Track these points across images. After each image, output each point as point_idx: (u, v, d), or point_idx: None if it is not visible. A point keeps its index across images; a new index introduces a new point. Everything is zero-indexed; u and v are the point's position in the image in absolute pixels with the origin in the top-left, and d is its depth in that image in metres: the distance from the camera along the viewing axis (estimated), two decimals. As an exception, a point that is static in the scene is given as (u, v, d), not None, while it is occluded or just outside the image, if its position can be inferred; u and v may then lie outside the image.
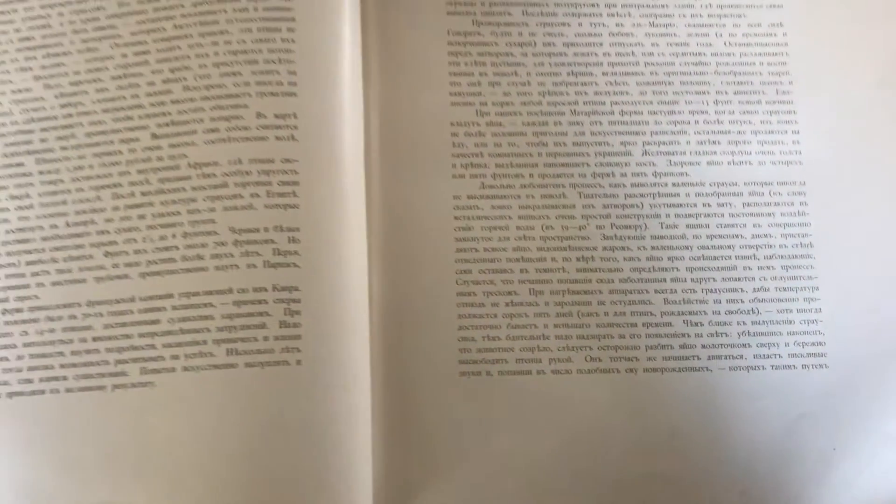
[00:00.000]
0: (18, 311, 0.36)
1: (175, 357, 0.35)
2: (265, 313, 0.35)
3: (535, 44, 0.40)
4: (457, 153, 0.39)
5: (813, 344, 0.38)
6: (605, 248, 0.38)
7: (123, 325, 0.35)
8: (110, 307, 0.35)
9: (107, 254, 0.36)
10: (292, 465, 0.34)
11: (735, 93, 0.40)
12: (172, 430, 0.34)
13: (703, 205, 0.39)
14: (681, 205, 0.39)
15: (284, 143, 0.36)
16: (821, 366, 0.37)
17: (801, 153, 0.39)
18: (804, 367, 0.37)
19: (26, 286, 0.36)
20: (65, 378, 0.35)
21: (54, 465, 0.35)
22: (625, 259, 0.38)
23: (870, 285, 0.38)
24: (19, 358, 0.36)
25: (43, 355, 0.35)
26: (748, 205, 0.39)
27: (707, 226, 0.39)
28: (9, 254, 0.37)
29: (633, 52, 0.40)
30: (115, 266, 0.36)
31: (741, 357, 0.37)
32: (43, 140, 0.37)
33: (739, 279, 0.38)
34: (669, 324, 0.37)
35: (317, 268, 0.35)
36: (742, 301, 0.38)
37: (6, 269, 0.36)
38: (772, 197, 0.39)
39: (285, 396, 0.34)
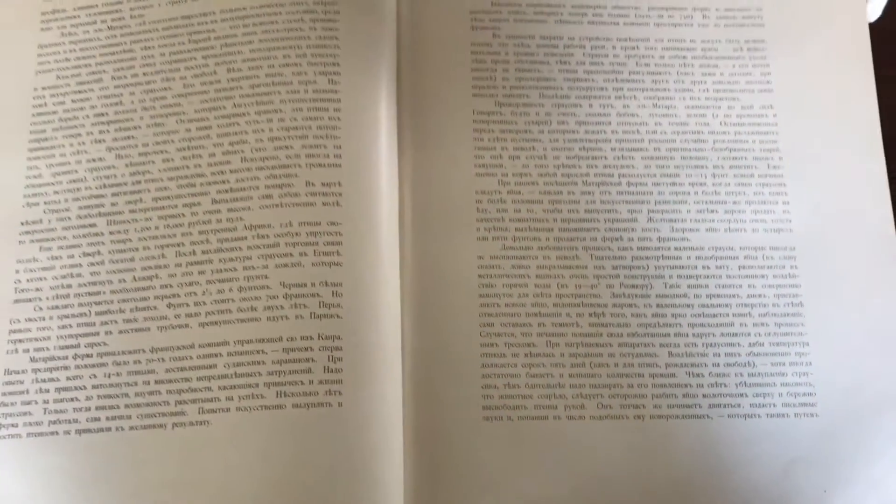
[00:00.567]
0: (88, 356, 0.41)
1: (230, 398, 0.39)
2: (311, 360, 0.39)
3: (551, 122, 0.45)
4: (481, 218, 0.43)
5: (804, 394, 0.42)
6: (614, 305, 0.42)
7: (183, 369, 0.40)
8: (172, 353, 0.40)
9: (169, 305, 0.41)
10: (332, 497, 0.38)
11: (730, 167, 0.45)
12: (226, 464, 0.39)
13: (703, 267, 0.43)
14: (682, 267, 0.43)
15: (330, 209, 0.41)
16: (811, 414, 0.41)
17: (790, 221, 0.44)
18: (796, 415, 0.41)
19: (96, 334, 0.41)
20: (129, 417, 0.40)
21: (118, 497, 0.39)
22: (632, 315, 0.42)
23: (856, 341, 0.42)
24: (88, 398, 0.40)
25: (109, 396, 0.40)
26: (743, 268, 0.43)
27: (706, 286, 0.43)
28: (81, 304, 0.41)
29: (638, 130, 0.45)
30: (177, 316, 0.41)
31: (739, 406, 0.41)
32: (114, 204, 0.43)
33: (736, 335, 0.42)
34: (673, 375, 0.42)
35: (357, 319, 0.40)
36: (739, 355, 0.42)
37: (78, 319, 0.41)
38: (765, 261, 0.43)
39: (328, 435, 0.39)
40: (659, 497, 0.40)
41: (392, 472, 0.39)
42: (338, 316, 0.40)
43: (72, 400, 0.40)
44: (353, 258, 0.41)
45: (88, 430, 0.40)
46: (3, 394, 0.40)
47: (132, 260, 0.42)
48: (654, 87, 0.46)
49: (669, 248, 0.43)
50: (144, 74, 0.45)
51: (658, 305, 0.42)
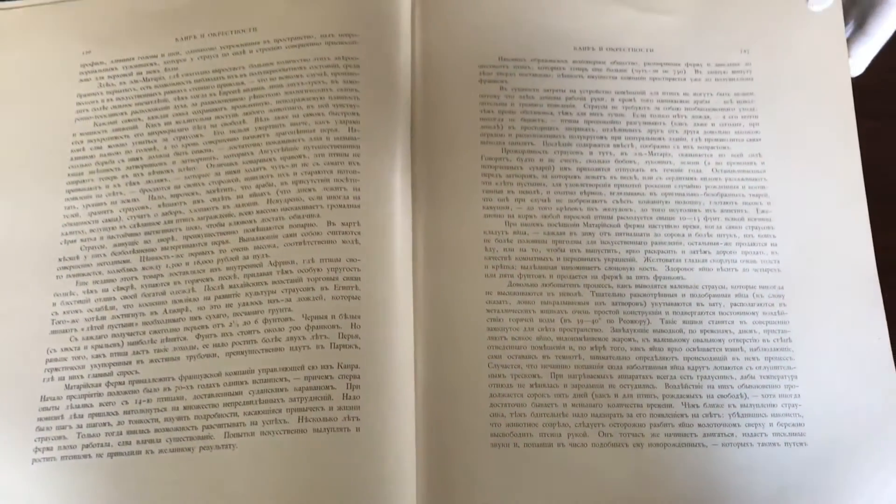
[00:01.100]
0: (121, 383, 0.44)
1: (254, 423, 0.43)
2: (331, 387, 0.43)
3: (554, 168, 0.49)
4: (489, 256, 0.47)
5: (793, 425, 0.45)
6: (614, 339, 0.46)
7: (211, 395, 0.43)
8: (200, 381, 0.44)
9: (198, 336, 0.45)
10: (350, 517, 0.41)
11: (722, 211, 0.48)
12: (251, 485, 0.42)
13: (697, 304, 0.47)
14: (678, 304, 0.47)
15: (349, 246, 0.45)
16: (800, 444, 0.44)
17: (778, 262, 0.48)
18: (786, 444, 0.44)
19: (128, 363, 0.44)
20: (158, 441, 0.43)
21: (147, 516, 0.42)
22: (631, 349, 0.46)
23: (841, 375, 0.46)
24: (120, 423, 0.43)
25: (140, 421, 0.43)
26: (735, 305, 0.47)
27: (700, 322, 0.46)
28: (114, 335, 0.45)
29: (635, 176, 0.49)
30: (206, 346, 0.44)
31: (732, 435, 0.44)
32: (147, 241, 0.47)
33: (729, 368, 0.46)
34: (670, 405, 0.45)
35: (373, 350, 0.44)
36: (732, 387, 0.45)
37: (111, 349, 0.45)
38: (755, 299, 0.47)
39: (346, 458, 0.42)
40: (657, 522, 0.43)
41: (406, 494, 0.42)
42: (356, 346, 0.44)
43: (104, 425, 0.43)
44: (371, 293, 0.45)
45: (120, 454, 0.43)
46: (40, 419, 0.44)
47: (163, 294, 0.45)
48: (650, 136, 0.50)
49: (665, 286, 0.47)
50: (177, 122, 0.49)
51: (655, 340, 0.46)
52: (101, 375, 0.44)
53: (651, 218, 0.48)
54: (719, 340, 0.46)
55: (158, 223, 0.47)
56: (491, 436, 0.44)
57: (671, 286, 0.47)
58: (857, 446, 0.45)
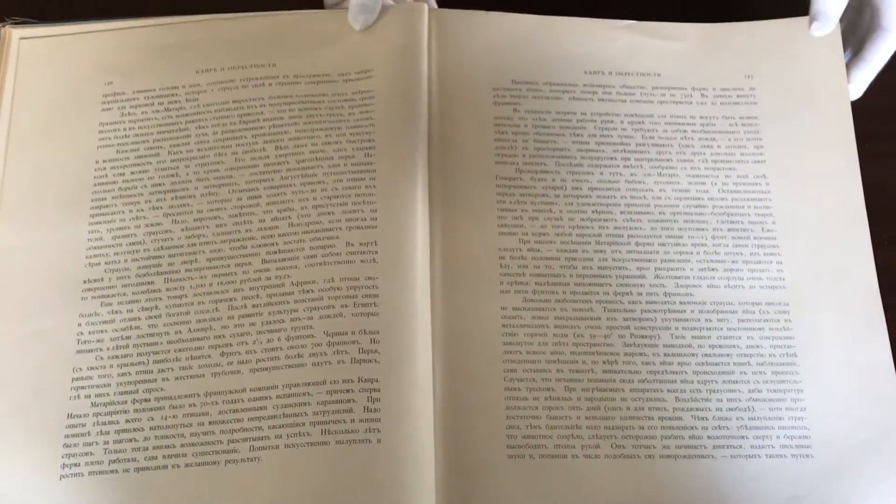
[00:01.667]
0: (146, 400, 0.47)
1: (278, 436, 0.45)
2: (352, 400, 0.46)
3: (566, 188, 0.52)
4: (503, 273, 0.50)
5: (800, 437, 0.47)
6: (626, 354, 0.48)
7: (235, 411, 0.46)
8: (224, 397, 0.46)
9: (223, 353, 0.47)
10: (372, 527, 0.44)
11: (728, 230, 0.51)
12: (275, 497, 0.44)
13: (706, 320, 0.49)
14: (687, 319, 0.49)
15: (367, 265, 0.48)
16: (807, 455, 0.47)
17: (783, 279, 0.50)
18: (793, 456, 0.47)
19: (153, 380, 0.47)
20: (184, 455, 0.45)
21: (175, 529, 0.45)
22: (642, 363, 0.48)
23: (846, 389, 0.48)
24: (146, 439, 0.46)
25: (166, 437, 0.46)
26: (742, 321, 0.49)
27: (709, 337, 0.49)
28: (139, 354, 0.48)
29: (644, 196, 0.52)
30: (230, 363, 0.47)
31: (740, 447, 0.47)
32: (170, 264, 0.49)
33: (737, 382, 0.48)
34: (680, 418, 0.47)
35: (393, 364, 0.46)
36: (739, 400, 0.48)
37: (137, 367, 0.47)
38: (761, 315, 0.50)
39: (368, 469, 0.44)
40: (669, 533, 0.46)
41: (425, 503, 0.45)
42: (376, 361, 0.46)
43: (130, 441, 0.46)
44: (389, 309, 0.47)
45: (146, 468, 0.45)
46: (67, 436, 0.46)
47: (188, 314, 0.48)
48: (659, 157, 0.53)
49: (675, 303, 0.50)
50: (199, 150, 0.52)
51: (665, 354, 0.49)
52: (126, 393, 0.47)
53: (660, 236, 0.51)
54: (727, 355, 0.49)
55: (182, 246, 0.50)
56: (507, 447, 0.46)
57: (680, 302, 0.50)
58: (861, 458, 0.47)
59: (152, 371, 0.47)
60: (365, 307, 0.47)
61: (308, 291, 0.48)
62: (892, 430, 0.48)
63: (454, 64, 0.54)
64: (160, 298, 0.49)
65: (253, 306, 0.48)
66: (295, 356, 0.47)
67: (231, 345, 0.47)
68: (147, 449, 0.46)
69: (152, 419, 0.46)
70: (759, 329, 0.49)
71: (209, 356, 0.47)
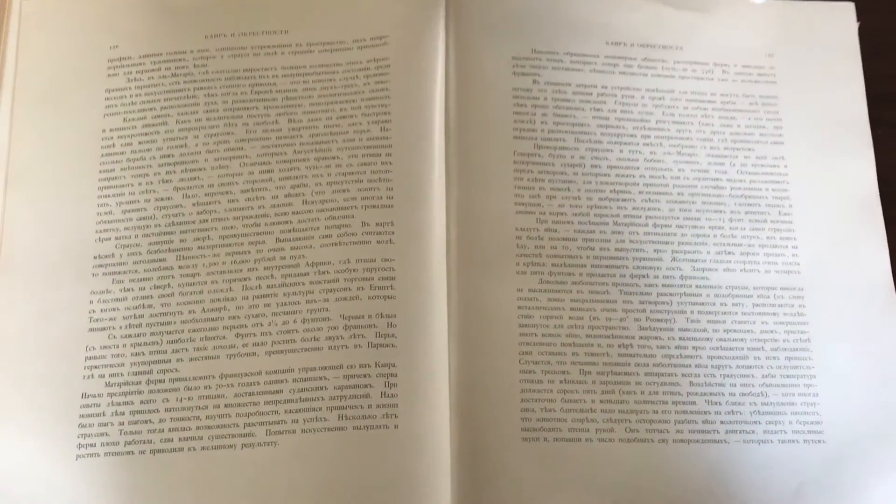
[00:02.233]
0: (161, 381, 0.47)
1: (295, 421, 0.46)
2: (369, 385, 0.47)
3: (585, 165, 0.52)
4: (520, 253, 0.50)
5: (812, 423, 0.49)
6: (641, 337, 0.49)
7: (252, 394, 0.47)
8: (240, 379, 0.47)
9: (238, 335, 0.48)
10: (388, 511, 0.45)
11: (745, 213, 0.52)
12: (291, 482, 0.45)
13: (721, 304, 0.50)
14: (703, 303, 0.50)
15: (384, 246, 0.49)
16: (819, 441, 0.49)
17: (799, 264, 0.51)
18: (805, 441, 0.48)
19: (168, 361, 0.48)
20: (200, 438, 0.46)
21: (191, 511, 0.46)
22: (657, 347, 0.49)
23: (859, 375, 0.50)
24: (161, 421, 0.47)
25: (182, 419, 0.47)
26: (757, 305, 0.50)
27: (724, 322, 0.50)
28: (152, 333, 0.48)
29: (663, 176, 0.52)
30: (245, 345, 0.48)
31: (753, 432, 0.48)
32: (182, 240, 0.50)
33: (750, 367, 0.49)
34: (694, 402, 0.49)
35: (410, 348, 0.47)
36: (753, 385, 0.49)
37: (150, 347, 0.48)
38: (776, 300, 0.51)
39: (385, 454, 0.46)
40: (681, 516, 0.47)
41: (441, 486, 0.46)
42: (393, 345, 0.47)
43: (146, 422, 0.47)
44: (406, 292, 0.48)
45: (162, 451, 0.46)
46: (82, 416, 0.47)
47: (201, 293, 0.49)
48: (678, 135, 0.53)
49: (691, 286, 0.51)
50: (208, 119, 0.52)
51: (680, 338, 0.50)
52: (141, 373, 0.47)
53: (678, 218, 0.52)
54: (741, 340, 0.50)
55: (193, 222, 0.50)
56: (522, 430, 0.47)
57: (696, 286, 0.51)
58: (873, 444, 0.49)
59: (166, 351, 0.48)
60: (382, 290, 0.48)
61: (324, 273, 0.48)
62: (903, 415, 0.49)
63: (473, 30, 0.54)
64: (172, 276, 0.49)
65: (268, 287, 0.48)
66: (311, 339, 0.47)
67: (246, 326, 0.48)
68: (163, 431, 0.47)
69: (167, 401, 0.47)
70: (774, 314, 0.50)
71: (224, 337, 0.48)
